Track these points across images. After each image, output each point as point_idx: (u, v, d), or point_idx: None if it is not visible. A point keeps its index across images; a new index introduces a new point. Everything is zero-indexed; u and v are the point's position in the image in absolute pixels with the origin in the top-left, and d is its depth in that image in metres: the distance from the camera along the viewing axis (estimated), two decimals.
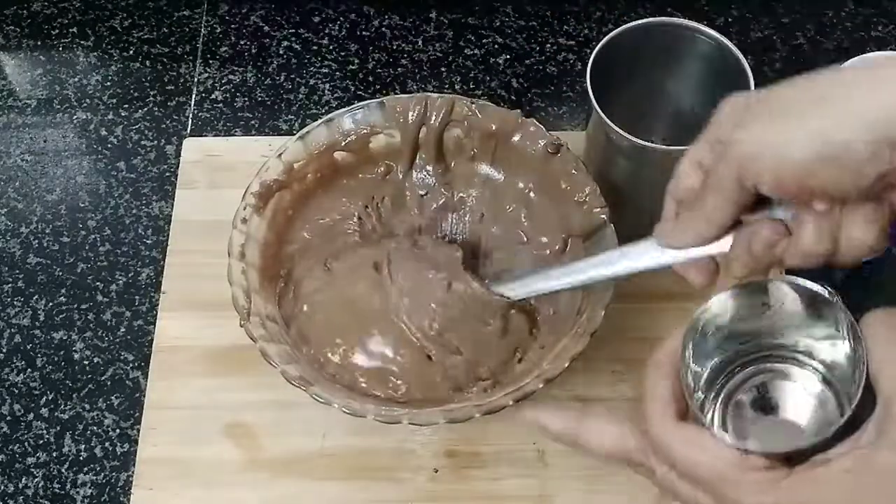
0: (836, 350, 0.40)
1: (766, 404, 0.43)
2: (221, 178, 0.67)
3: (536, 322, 0.58)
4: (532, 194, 0.61)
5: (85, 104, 0.72)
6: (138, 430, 0.58)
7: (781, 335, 0.42)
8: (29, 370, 0.61)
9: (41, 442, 0.58)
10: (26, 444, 0.58)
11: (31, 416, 0.59)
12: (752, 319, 0.41)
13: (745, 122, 0.37)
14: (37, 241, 0.66)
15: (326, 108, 0.72)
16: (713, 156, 0.39)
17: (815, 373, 0.42)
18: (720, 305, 0.41)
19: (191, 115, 0.72)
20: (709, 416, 0.41)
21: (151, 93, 0.73)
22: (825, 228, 0.38)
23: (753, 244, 0.39)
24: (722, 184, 0.38)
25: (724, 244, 0.41)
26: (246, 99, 0.72)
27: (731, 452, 0.36)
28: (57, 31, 0.76)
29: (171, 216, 0.66)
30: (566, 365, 0.51)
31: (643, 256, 0.46)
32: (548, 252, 0.60)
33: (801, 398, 0.42)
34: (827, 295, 0.38)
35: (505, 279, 0.56)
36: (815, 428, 0.41)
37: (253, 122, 0.71)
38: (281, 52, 0.75)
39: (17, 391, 0.60)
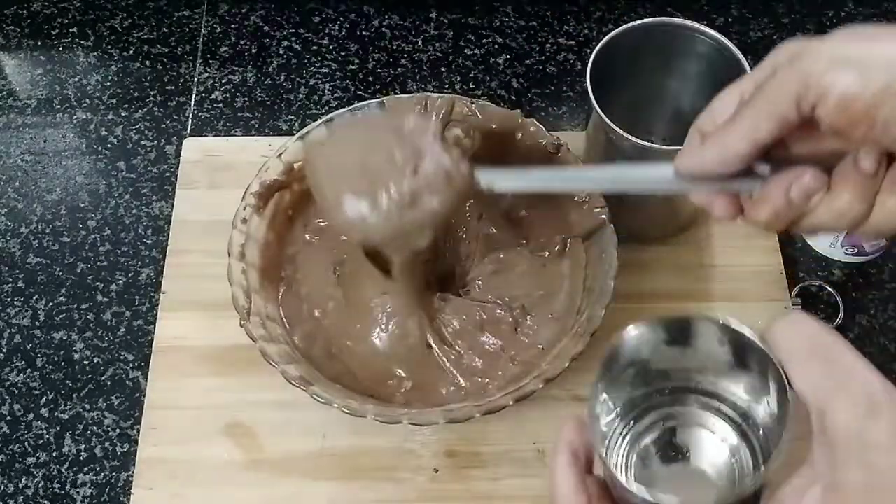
0: (759, 401, 0.37)
1: (674, 451, 0.39)
2: (221, 178, 0.67)
3: (518, 320, 0.58)
4: (530, 195, 0.61)
5: (85, 104, 0.72)
6: (138, 430, 0.58)
7: (699, 378, 0.38)
8: (29, 370, 0.61)
9: (41, 442, 0.58)
10: (26, 444, 0.58)
11: (31, 416, 0.59)
12: (670, 357, 0.38)
13: (822, 39, 0.34)
14: (37, 241, 0.66)
15: (326, 108, 0.72)
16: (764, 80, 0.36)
17: (729, 421, 0.39)
18: (636, 338, 0.37)
19: (191, 115, 0.72)
20: (614, 460, 0.37)
21: (151, 93, 0.73)
22: (865, 189, 0.36)
23: (793, 189, 0.37)
24: (775, 96, 0.35)
25: (750, 184, 0.38)
26: (246, 99, 0.72)
27: None
28: (57, 31, 0.76)
29: (171, 216, 0.66)
30: (566, 365, 0.51)
31: (658, 176, 0.41)
32: (546, 253, 0.60)
33: (712, 447, 0.39)
34: (756, 340, 0.34)
35: (496, 170, 0.48)
36: (726, 480, 0.38)
37: (253, 122, 0.71)
38: (281, 52, 0.75)
39: (16, 391, 0.60)
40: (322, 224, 0.61)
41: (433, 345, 0.56)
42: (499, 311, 0.57)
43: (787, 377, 0.32)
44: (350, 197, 0.48)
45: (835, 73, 0.34)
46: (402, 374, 0.56)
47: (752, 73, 0.39)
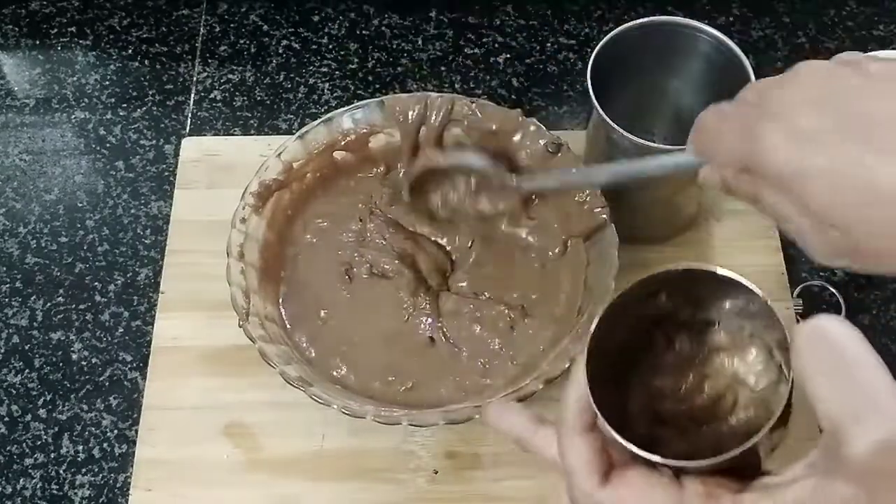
0: (754, 356, 0.37)
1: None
2: (220, 178, 0.67)
3: (518, 320, 0.58)
4: (532, 195, 0.60)
5: (83, 103, 0.72)
6: (136, 431, 0.58)
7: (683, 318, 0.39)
8: (27, 371, 0.61)
9: (39, 443, 0.58)
10: (24, 445, 0.58)
11: (28, 416, 0.59)
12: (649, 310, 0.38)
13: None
14: (35, 241, 0.66)
15: (326, 107, 0.71)
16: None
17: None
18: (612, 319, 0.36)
19: (189, 115, 0.71)
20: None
21: (150, 92, 0.72)
22: None
23: None
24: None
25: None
26: (245, 98, 0.72)
27: (666, 496, 0.32)
28: (55, 30, 0.76)
29: (169, 216, 0.65)
30: (567, 365, 0.51)
31: (679, 159, 0.42)
32: (549, 253, 0.59)
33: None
34: (757, 291, 0.34)
35: (525, 175, 0.56)
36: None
37: (252, 121, 0.71)
38: (280, 51, 0.74)
39: (14, 392, 0.60)
40: (323, 225, 0.61)
41: (436, 340, 0.57)
42: (499, 311, 0.57)
43: (788, 369, 0.31)
44: None
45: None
46: (404, 373, 0.56)
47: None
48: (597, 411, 0.34)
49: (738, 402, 0.38)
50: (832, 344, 0.29)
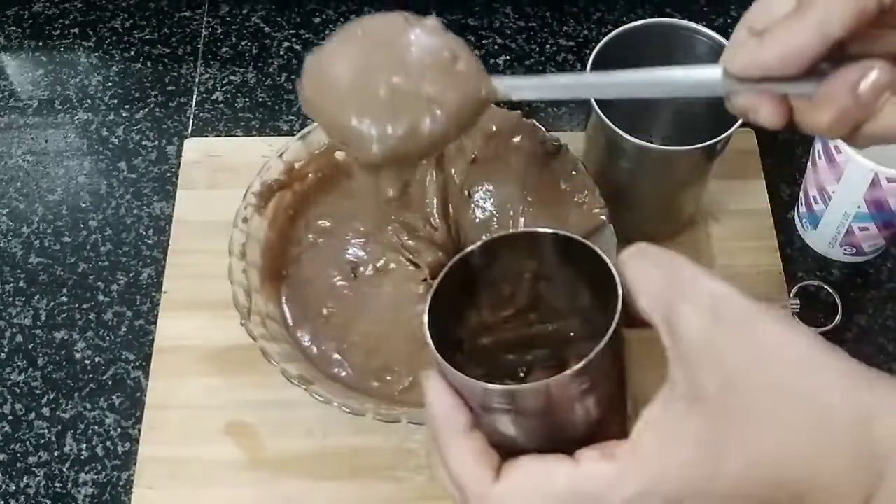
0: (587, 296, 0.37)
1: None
2: (222, 179, 0.67)
3: None
4: (530, 195, 0.61)
5: (86, 105, 0.72)
6: (139, 430, 0.58)
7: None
8: (30, 370, 0.61)
9: (42, 441, 0.59)
10: (28, 443, 0.59)
11: (32, 415, 0.59)
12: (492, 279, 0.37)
13: None
14: (38, 241, 0.66)
15: None
16: None
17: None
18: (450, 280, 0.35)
19: (192, 116, 0.72)
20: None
21: (152, 93, 0.73)
22: None
23: (861, 85, 0.33)
24: None
25: (806, 86, 0.34)
26: (247, 99, 0.72)
27: (563, 471, 0.31)
28: (58, 31, 0.76)
29: (171, 216, 0.66)
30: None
31: (701, 78, 0.38)
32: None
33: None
34: (601, 253, 0.33)
35: (515, 78, 0.43)
36: None
37: (253, 122, 0.71)
38: (282, 52, 0.75)
39: (18, 391, 0.60)
40: (325, 224, 0.61)
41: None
42: None
43: (623, 291, 0.32)
44: (352, 117, 0.40)
45: None
46: (401, 371, 0.56)
47: None
48: (436, 354, 0.33)
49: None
50: (653, 254, 0.33)
